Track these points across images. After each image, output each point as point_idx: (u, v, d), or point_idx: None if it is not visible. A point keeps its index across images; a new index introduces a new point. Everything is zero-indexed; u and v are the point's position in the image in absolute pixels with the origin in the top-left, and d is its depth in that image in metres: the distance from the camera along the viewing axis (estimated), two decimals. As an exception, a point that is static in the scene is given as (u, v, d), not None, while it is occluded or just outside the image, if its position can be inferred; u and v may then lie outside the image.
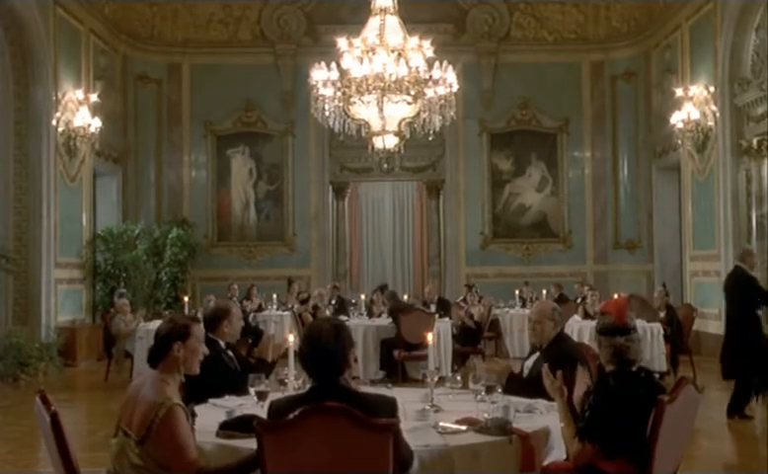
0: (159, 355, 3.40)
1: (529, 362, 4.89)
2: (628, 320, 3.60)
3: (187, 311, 11.08)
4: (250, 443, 3.24)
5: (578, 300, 12.04)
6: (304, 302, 12.16)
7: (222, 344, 4.96)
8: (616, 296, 12.06)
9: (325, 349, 3.15)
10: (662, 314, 10.71)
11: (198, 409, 3.79)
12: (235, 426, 3.54)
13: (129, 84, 15.46)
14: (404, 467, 3.12)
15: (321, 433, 2.98)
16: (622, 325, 3.58)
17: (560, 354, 4.64)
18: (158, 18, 15.83)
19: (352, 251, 19.24)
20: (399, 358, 10.28)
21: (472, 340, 11.41)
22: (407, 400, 4.07)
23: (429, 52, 8.96)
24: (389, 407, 3.17)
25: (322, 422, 2.99)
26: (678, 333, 10.55)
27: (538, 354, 4.83)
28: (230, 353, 5.00)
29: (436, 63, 8.99)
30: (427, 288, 13.43)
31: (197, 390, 4.47)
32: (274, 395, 3.74)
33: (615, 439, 3.39)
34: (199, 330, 3.51)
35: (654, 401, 3.39)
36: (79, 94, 13.15)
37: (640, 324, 10.08)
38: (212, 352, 4.81)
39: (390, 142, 9.51)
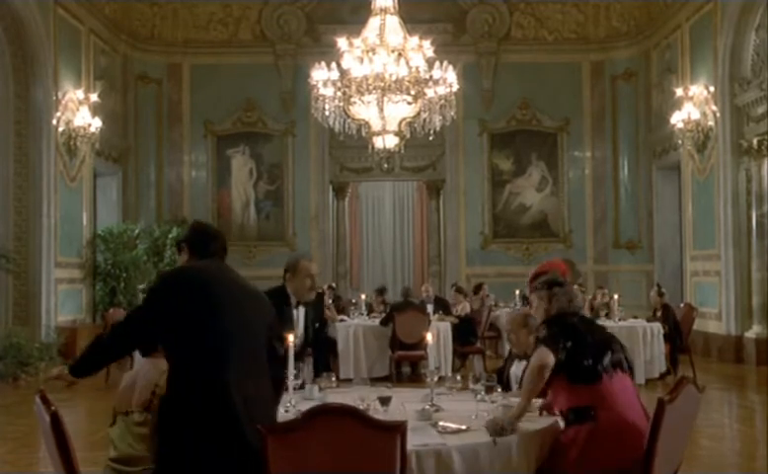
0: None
1: (516, 370, 4.87)
2: (562, 276, 4.30)
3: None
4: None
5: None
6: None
7: None
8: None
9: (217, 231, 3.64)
10: (659, 314, 10.73)
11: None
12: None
13: (129, 84, 15.45)
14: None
15: (326, 433, 2.98)
16: (560, 279, 4.17)
17: None
18: (158, 18, 15.83)
19: (352, 251, 19.24)
20: (394, 358, 10.26)
21: (465, 335, 11.26)
22: (407, 400, 4.08)
23: (429, 52, 8.97)
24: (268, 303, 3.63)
25: (327, 422, 2.99)
26: (677, 332, 10.55)
27: (524, 361, 4.76)
28: None
29: (436, 63, 9.00)
30: (424, 288, 13.31)
31: None
32: None
33: (580, 366, 3.73)
34: None
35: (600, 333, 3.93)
36: (79, 94, 13.14)
37: (639, 323, 10.35)
38: None
39: (390, 142, 9.52)
